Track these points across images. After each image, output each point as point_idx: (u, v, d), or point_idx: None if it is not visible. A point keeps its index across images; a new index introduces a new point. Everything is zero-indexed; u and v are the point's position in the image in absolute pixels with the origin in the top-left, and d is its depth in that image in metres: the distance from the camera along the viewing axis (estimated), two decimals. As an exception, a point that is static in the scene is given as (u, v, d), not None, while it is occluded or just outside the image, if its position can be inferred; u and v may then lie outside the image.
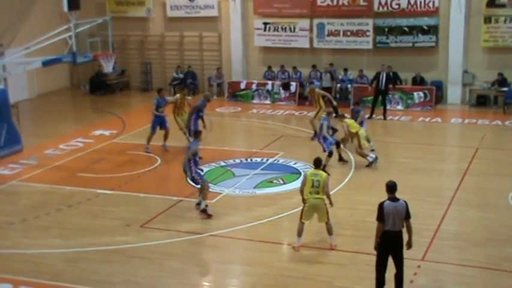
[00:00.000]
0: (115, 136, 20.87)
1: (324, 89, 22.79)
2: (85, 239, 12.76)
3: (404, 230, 9.93)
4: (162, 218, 13.79)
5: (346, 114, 17.98)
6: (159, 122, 18.72)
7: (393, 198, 9.93)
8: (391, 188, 9.99)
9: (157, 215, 13.91)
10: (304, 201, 12.10)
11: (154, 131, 18.69)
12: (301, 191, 12.19)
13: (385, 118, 22.25)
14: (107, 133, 21.20)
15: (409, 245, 10.04)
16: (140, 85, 28.94)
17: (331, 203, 12.04)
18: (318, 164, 12.27)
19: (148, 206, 14.54)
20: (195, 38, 27.82)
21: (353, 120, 17.53)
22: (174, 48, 28.43)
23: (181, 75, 27.45)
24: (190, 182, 14.23)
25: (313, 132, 19.36)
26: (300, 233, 12.05)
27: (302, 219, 12.04)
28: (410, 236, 10.00)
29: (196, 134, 14.62)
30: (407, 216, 9.91)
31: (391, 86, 22.81)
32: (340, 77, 25.03)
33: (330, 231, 12.09)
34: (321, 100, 19.55)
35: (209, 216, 13.68)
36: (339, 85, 24.87)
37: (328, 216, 12.02)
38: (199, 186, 14.01)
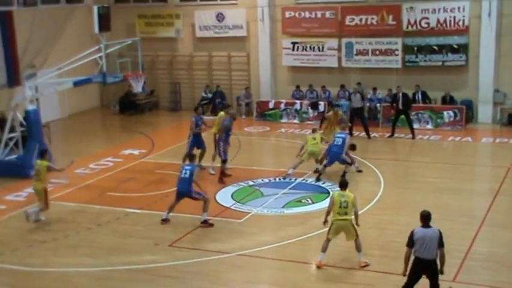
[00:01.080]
0: (144, 155, 21.02)
1: (355, 109, 22.72)
2: (114, 258, 12.83)
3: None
4: (191, 237, 13.81)
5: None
6: (196, 141, 18.64)
7: (426, 226, 9.90)
8: (425, 217, 9.95)
9: (186, 234, 13.94)
10: (325, 222, 12.17)
11: (190, 150, 18.49)
12: (328, 212, 12.17)
13: (413, 137, 22.08)
14: (136, 152, 21.36)
15: (441, 273, 9.99)
16: (169, 105, 29.16)
17: (357, 223, 11.99)
18: (344, 185, 12.22)
19: (177, 225, 14.56)
20: (223, 57, 28.00)
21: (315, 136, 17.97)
22: (202, 68, 28.64)
23: (210, 95, 27.62)
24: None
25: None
26: (324, 249, 12.02)
27: (328, 236, 12.02)
28: (442, 264, 9.94)
29: (191, 157, 15.39)
30: (441, 244, 9.82)
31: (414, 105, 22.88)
32: (369, 96, 24.93)
33: (358, 248, 12.02)
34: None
35: (211, 225, 14.20)
36: (368, 104, 24.76)
37: (357, 234, 11.95)
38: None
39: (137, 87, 20.08)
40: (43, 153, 15.54)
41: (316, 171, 17.75)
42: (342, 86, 25.44)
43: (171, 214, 14.62)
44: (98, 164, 19.92)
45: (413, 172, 18.19)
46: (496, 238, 13.39)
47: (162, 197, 16.54)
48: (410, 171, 18.25)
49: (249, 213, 15.12)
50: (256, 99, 26.87)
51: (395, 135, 22.35)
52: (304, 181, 17.51)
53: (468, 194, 16.34)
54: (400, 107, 22.34)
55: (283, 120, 25.72)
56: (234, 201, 15.99)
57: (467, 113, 23.70)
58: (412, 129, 22.25)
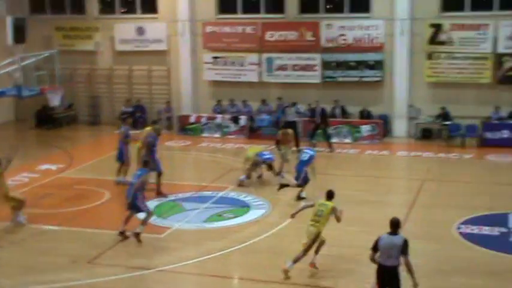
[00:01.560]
0: (62, 170, 20.53)
1: (288, 122, 22.72)
2: (29, 277, 12.41)
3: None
4: (111, 254, 13.56)
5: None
6: (122, 153, 18.42)
7: (393, 233, 9.94)
8: (392, 224, 9.98)
9: (106, 251, 13.68)
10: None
11: (127, 159, 18.37)
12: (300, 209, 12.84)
13: (331, 151, 22.50)
14: (53, 167, 20.84)
15: (414, 286, 9.82)
16: (88, 119, 28.65)
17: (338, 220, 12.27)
18: (329, 195, 12.49)
19: (97, 241, 14.28)
20: (144, 71, 27.80)
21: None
22: (122, 81, 28.31)
23: (130, 109, 27.30)
24: (134, 211, 14.21)
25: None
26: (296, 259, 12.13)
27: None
28: (411, 274, 9.81)
29: (146, 163, 14.62)
30: (404, 252, 9.79)
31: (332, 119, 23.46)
32: (289, 111, 25.22)
33: (316, 251, 12.25)
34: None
35: (140, 241, 13.87)
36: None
37: (315, 241, 12.13)
38: (142, 215, 14.03)
39: (54, 100, 19.64)
40: None
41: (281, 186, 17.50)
42: (263, 101, 25.72)
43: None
44: (12, 179, 19.23)
45: (332, 185, 18.40)
46: (412, 249, 13.64)
47: (80, 212, 16.20)
48: (329, 184, 18.48)
49: (170, 228, 15.00)
50: (177, 114, 26.77)
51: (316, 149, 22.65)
52: (225, 195, 17.54)
53: (385, 206, 16.76)
54: (318, 121, 22.82)
55: (204, 135, 25.72)
56: (155, 216, 15.81)
57: (384, 127, 24.41)
58: (329, 143, 22.69)
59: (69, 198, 17.48)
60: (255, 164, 18.46)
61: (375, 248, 9.95)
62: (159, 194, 17.22)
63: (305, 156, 16.96)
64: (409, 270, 9.83)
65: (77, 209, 16.44)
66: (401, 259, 9.85)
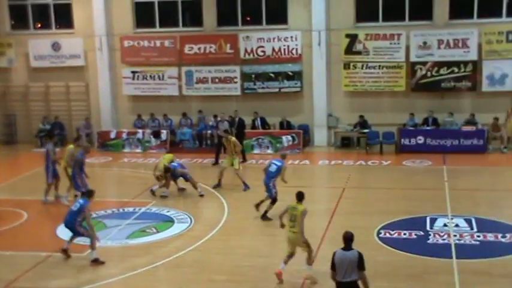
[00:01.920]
0: (-23, 192, 19.81)
1: (221, 137, 22.13)
2: None
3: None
4: (30, 276, 13.13)
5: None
6: (54, 170, 18.06)
7: (346, 248, 9.82)
8: (345, 239, 9.87)
9: (24, 273, 13.24)
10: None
11: (53, 180, 18.03)
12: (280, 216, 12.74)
13: (244, 161, 22.28)
14: (-33, 189, 20.10)
15: None
16: (4, 138, 27.81)
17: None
18: (299, 197, 12.43)
19: (15, 264, 13.81)
20: (61, 88, 27.23)
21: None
22: (39, 99, 27.64)
23: (48, 126, 26.69)
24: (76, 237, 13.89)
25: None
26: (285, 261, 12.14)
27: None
28: None
29: (90, 193, 14.19)
30: (360, 267, 9.70)
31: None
32: (210, 123, 25.29)
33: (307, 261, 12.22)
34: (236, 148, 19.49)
35: (102, 263, 13.46)
36: (210, 131, 25.09)
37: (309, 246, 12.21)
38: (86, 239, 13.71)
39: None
40: None
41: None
42: (184, 114, 25.65)
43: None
44: None
45: (255, 197, 18.58)
46: (335, 255, 13.99)
47: (-3, 235, 15.66)
48: (252, 196, 18.64)
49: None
50: (97, 129, 26.35)
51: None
52: (148, 210, 17.36)
53: (308, 215, 16.88)
54: (235, 131, 22.92)
55: (125, 150, 25.44)
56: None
57: (305, 137, 24.78)
58: (243, 153, 22.67)
59: (-16, 221, 16.86)
60: (167, 172, 18.37)
61: (333, 265, 9.79)
62: None
63: (273, 168, 16.58)
64: (365, 284, 9.78)
65: (-6, 232, 15.88)
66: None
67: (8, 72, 27.63)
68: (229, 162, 19.30)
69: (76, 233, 13.81)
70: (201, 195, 18.39)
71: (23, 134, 27.54)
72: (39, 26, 27.72)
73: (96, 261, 13.49)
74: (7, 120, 27.78)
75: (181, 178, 18.78)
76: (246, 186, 18.96)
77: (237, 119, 23.47)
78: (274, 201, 16.27)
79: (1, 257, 14.20)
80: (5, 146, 27.23)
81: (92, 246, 13.62)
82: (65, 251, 13.83)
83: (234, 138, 19.77)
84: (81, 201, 13.84)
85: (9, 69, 27.53)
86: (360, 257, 9.77)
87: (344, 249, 9.83)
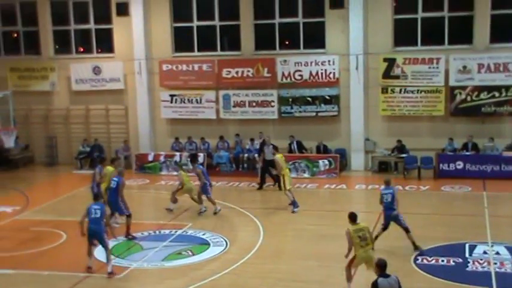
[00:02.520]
0: (18, 213, 20.16)
1: (268, 161, 22.24)
2: (-16, 323, 12.11)
3: None
4: (68, 296, 13.31)
5: None
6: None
7: (384, 275, 9.88)
8: (382, 266, 9.93)
9: (63, 293, 13.43)
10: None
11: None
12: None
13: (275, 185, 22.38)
14: (8, 210, 20.44)
15: None
16: (45, 160, 28.30)
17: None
18: (353, 217, 12.61)
19: (53, 284, 14.01)
20: (101, 111, 27.67)
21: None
22: (80, 121, 28.13)
23: (88, 149, 27.11)
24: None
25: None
26: (348, 279, 12.26)
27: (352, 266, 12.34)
28: None
29: (96, 197, 14.92)
30: None
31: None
32: (247, 146, 25.40)
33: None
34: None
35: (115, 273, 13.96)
36: (246, 155, 25.18)
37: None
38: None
39: (9, 142, 19.41)
40: None
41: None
42: (221, 137, 25.80)
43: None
44: (-34, 223, 18.90)
45: (292, 220, 18.57)
46: (370, 281, 13.83)
47: (37, 255, 15.89)
48: (288, 219, 18.62)
49: (129, 267, 14.81)
50: (135, 152, 26.65)
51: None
52: (184, 233, 17.44)
53: (344, 240, 16.73)
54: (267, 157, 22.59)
55: (163, 173, 25.64)
56: (113, 256, 15.61)
57: (341, 161, 24.66)
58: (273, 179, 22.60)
59: (25, 241, 17.14)
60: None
61: None
62: (129, 234, 17.02)
63: (389, 197, 16.04)
64: None
65: (33, 251, 16.13)
66: None
67: (50, 96, 28.22)
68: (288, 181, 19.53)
69: (100, 242, 14.12)
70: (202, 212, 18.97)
71: (63, 156, 28.03)
72: (81, 50, 28.29)
73: (112, 274, 13.98)
74: (49, 142, 28.30)
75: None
76: (294, 206, 19.03)
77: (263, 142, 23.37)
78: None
79: (39, 276, 14.41)
80: (46, 167, 27.69)
81: (109, 260, 14.11)
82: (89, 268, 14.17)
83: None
84: (96, 206, 14.32)
85: (52, 92, 28.11)
86: (399, 280, 9.93)
87: (383, 276, 9.85)
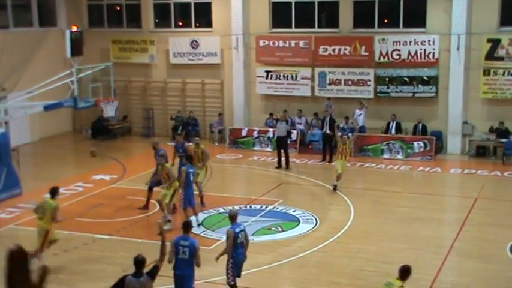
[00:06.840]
0: (115, 181, 20.90)
1: (279, 138, 22.64)
2: (80, 285, 12.67)
3: None
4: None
5: None
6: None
7: (137, 274, 9.62)
8: (136, 263, 9.71)
9: (154, 261, 13.78)
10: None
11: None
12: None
13: (330, 161, 22.70)
14: (106, 178, 21.23)
15: None
16: (142, 131, 29.09)
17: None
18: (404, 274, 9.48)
19: (147, 251, 14.30)
20: (197, 84, 28.10)
21: None
22: (176, 94, 28.68)
23: (178, 123, 27.38)
24: None
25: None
26: None
27: None
28: None
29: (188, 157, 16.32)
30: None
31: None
32: (341, 125, 25.12)
33: None
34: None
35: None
36: (340, 134, 24.92)
37: None
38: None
39: (109, 112, 20.03)
40: (54, 192, 13.93)
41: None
42: (316, 114, 25.64)
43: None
44: (67, 189, 19.69)
45: (383, 201, 18.33)
46: (462, 267, 13.53)
47: (131, 223, 16.45)
48: (380, 200, 18.39)
49: (219, 240, 15.05)
50: (229, 127, 26.95)
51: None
52: (275, 209, 17.54)
53: (436, 224, 16.50)
54: (327, 131, 23.00)
55: (255, 148, 25.80)
56: (204, 228, 15.95)
57: (437, 144, 24.00)
58: (330, 154, 22.89)
59: (120, 209, 17.77)
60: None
61: None
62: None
63: None
64: None
65: (128, 219, 16.70)
66: None
67: (149, 68, 28.89)
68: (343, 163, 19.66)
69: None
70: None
71: (159, 127, 28.70)
72: (180, 24, 28.76)
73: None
74: (146, 114, 29.05)
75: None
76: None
77: (327, 119, 23.48)
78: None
79: (134, 244, 14.89)
80: (143, 138, 28.48)
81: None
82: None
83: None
84: (191, 169, 15.72)
85: (150, 65, 28.77)
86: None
87: (133, 275, 9.54)
